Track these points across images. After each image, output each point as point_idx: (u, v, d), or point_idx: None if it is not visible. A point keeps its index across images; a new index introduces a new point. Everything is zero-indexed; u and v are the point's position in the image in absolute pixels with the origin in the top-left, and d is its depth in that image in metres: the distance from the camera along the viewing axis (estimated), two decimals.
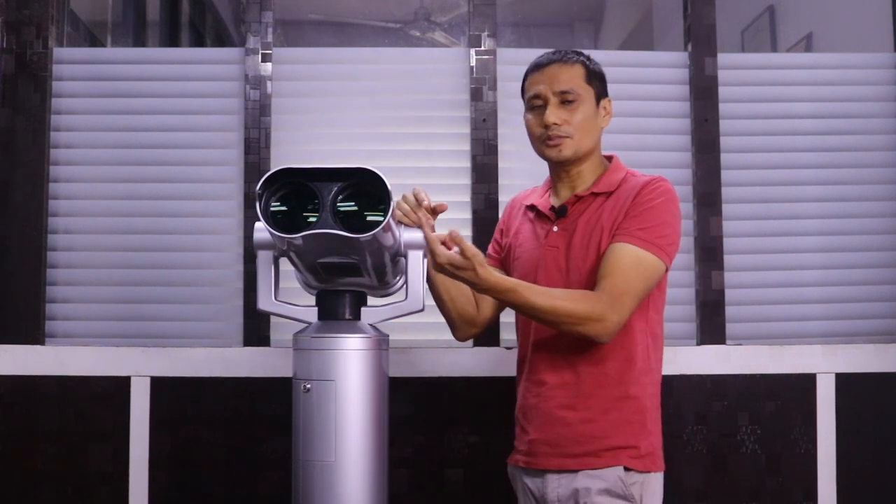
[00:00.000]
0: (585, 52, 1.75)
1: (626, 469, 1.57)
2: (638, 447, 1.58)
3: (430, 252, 1.51)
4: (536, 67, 1.70)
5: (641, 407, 1.61)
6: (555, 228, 1.69)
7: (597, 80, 1.70)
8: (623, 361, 1.60)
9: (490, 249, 1.87)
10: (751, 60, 2.47)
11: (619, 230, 1.59)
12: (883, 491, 2.25)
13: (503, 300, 1.55)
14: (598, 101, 1.69)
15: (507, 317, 1.93)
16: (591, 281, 1.60)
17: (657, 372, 1.66)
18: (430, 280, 1.73)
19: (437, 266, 1.50)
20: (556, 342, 1.64)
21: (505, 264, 1.81)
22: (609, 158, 1.75)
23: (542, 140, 1.68)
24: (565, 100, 1.65)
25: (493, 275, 1.51)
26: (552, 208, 1.71)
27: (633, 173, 1.70)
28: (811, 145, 2.37)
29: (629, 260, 1.56)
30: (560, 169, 1.71)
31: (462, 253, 1.47)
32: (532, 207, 1.76)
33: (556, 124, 1.65)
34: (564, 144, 1.66)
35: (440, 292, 1.76)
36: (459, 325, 1.80)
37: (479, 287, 1.51)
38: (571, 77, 1.66)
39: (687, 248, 2.32)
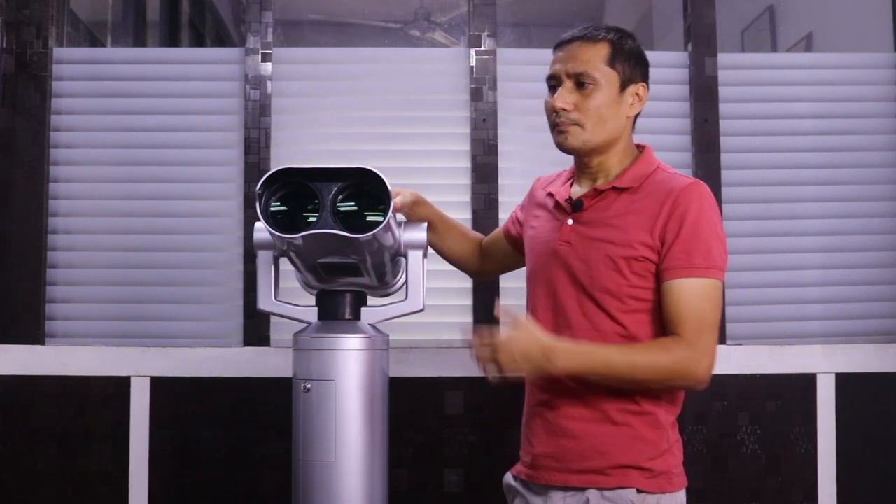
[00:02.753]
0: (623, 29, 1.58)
1: (639, 491, 1.44)
2: (651, 468, 1.45)
3: (483, 349, 1.40)
4: (559, 45, 1.55)
5: (656, 423, 1.47)
6: (569, 222, 1.54)
7: (626, 63, 1.51)
8: None
9: (508, 219, 1.80)
10: (751, 60, 2.47)
11: (670, 262, 1.44)
12: (883, 491, 2.25)
13: (576, 367, 1.42)
14: (624, 87, 1.51)
15: None
16: (600, 283, 1.48)
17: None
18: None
19: (499, 362, 1.40)
20: None
21: (518, 246, 1.74)
22: (641, 148, 1.59)
23: (552, 126, 1.53)
24: (580, 82, 1.49)
25: (557, 339, 1.43)
26: (569, 199, 1.56)
27: (665, 169, 1.55)
28: (811, 145, 2.37)
29: (696, 295, 1.43)
30: (579, 159, 1.57)
31: (514, 323, 1.41)
32: (550, 195, 1.62)
33: (563, 109, 1.49)
34: (571, 133, 1.50)
35: (433, 242, 1.77)
36: (467, 263, 1.85)
37: (547, 355, 1.40)
38: (590, 58, 1.49)
39: None
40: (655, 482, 1.46)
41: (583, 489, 1.46)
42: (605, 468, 1.46)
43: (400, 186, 1.63)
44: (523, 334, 1.40)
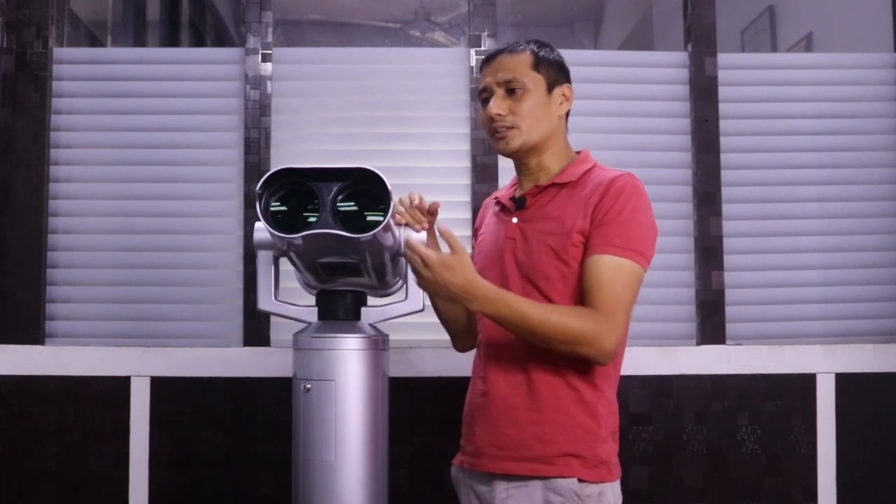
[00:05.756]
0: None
1: (580, 481, 1.48)
2: (589, 457, 1.50)
3: (414, 258, 1.43)
4: (485, 61, 1.64)
5: (595, 412, 1.52)
6: (514, 220, 1.61)
7: (549, 68, 1.61)
8: (577, 362, 1.51)
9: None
10: (751, 60, 2.47)
11: (593, 241, 1.51)
12: (883, 491, 2.25)
13: (491, 312, 1.46)
14: (550, 88, 1.60)
15: None
16: (541, 271, 1.54)
17: (615, 376, 1.57)
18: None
19: (422, 276, 1.44)
20: (506, 340, 1.55)
21: None
22: (580, 152, 1.67)
23: (491, 134, 1.62)
24: (510, 89, 1.58)
25: (482, 281, 1.45)
26: (512, 198, 1.64)
27: (602, 167, 1.62)
28: (811, 145, 2.37)
29: (612, 271, 1.48)
30: (519, 162, 1.64)
31: (452, 249, 1.43)
32: (497, 201, 1.70)
33: (499, 115, 1.58)
34: (510, 135, 1.58)
35: (436, 301, 1.73)
36: (457, 334, 1.77)
37: (467, 293, 1.43)
38: (516, 66, 1.59)
39: (687, 248, 2.32)
40: (595, 472, 1.50)
41: (525, 478, 1.51)
42: (546, 456, 1.50)
43: (399, 187, 1.63)
44: (454, 265, 1.44)
